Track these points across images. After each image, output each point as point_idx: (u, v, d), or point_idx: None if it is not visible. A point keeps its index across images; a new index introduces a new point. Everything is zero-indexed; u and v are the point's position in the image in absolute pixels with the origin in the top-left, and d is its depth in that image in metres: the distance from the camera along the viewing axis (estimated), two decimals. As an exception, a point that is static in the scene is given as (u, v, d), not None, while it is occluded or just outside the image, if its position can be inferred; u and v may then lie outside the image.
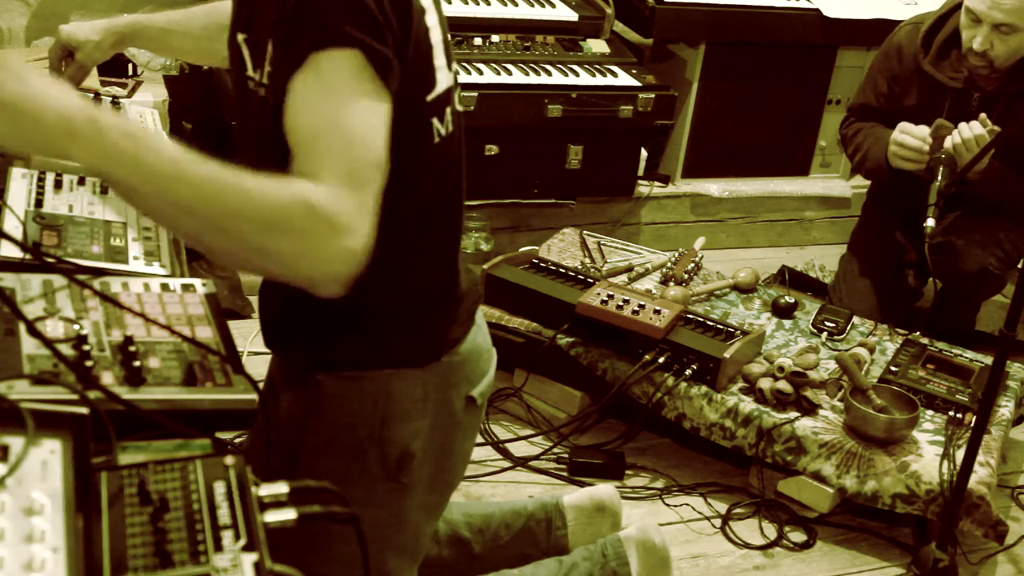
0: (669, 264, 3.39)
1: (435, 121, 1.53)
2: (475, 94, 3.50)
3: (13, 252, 1.56)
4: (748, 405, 2.83)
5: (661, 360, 2.87)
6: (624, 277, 3.33)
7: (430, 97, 1.51)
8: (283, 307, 1.66)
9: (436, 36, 1.51)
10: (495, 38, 3.77)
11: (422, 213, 1.58)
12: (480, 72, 3.61)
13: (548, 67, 3.75)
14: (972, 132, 3.08)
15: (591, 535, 2.41)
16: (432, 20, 1.50)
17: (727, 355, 2.83)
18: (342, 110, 1.34)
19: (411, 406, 1.65)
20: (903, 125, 3.22)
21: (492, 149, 3.67)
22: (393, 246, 1.55)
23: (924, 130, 3.18)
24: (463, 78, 3.51)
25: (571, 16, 3.93)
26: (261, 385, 1.35)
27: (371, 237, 1.30)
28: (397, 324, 1.63)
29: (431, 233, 1.62)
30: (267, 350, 1.73)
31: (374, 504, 1.69)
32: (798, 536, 2.79)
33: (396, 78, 1.40)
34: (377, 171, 1.33)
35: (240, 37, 1.51)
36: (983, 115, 3.13)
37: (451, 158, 1.60)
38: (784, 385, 2.81)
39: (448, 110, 1.56)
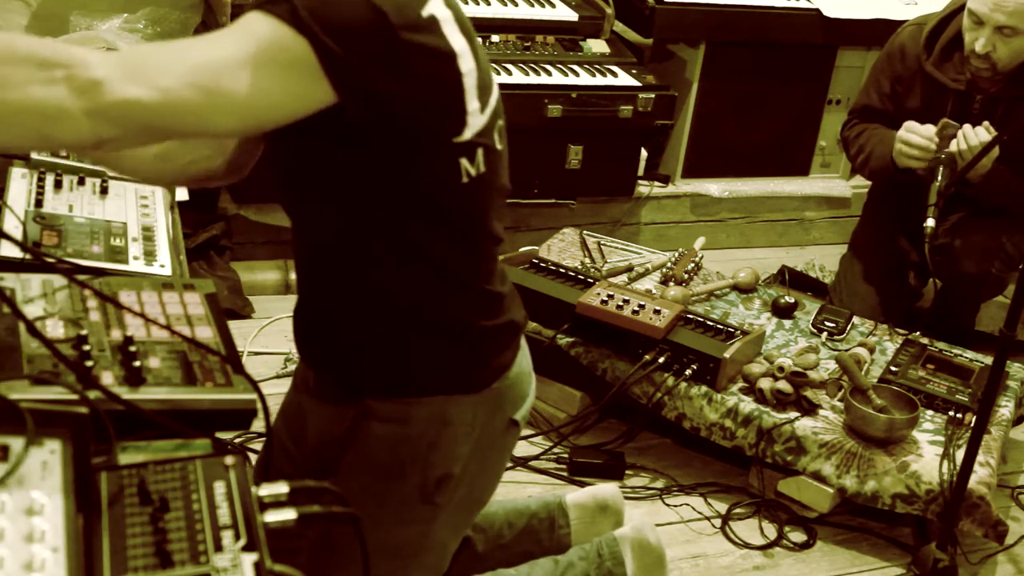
0: (669, 264, 3.39)
1: (464, 161, 1.52)
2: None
3: (13, 252, 1.56)
4: (748, 405, 2.83)
5: (661, 360, 2.87)
6: (624, 277, 3.33)
7: (458, 139, 1.50)
8: (334, 332, 1.64)
9: (470, 81, 1.50)
10: (495, 38, 3.76)
11: (456, 247, 1.58)
12: (480, 72, 3.60)
13: (548, 67, 3.75)
14: (978, 138, 3.08)
15: (594, 534, 2.40)
16: (467, 65, 1.49)
17: (727, 355, 2.83)
18: (222, 44, 1.34)
19: (460, 431, 1.65)
20: (909, 124, 3.22)
21: (492, 149, 3.67)
22: (428, 271, 1.56)
23: (930, 129, 3.17)
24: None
25: (571, 16, 3.93)
26: (261, 385, 1.35)
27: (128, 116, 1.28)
28: (449, 351, 1.62)
29: (470, 262, 1.61)
30: (266, 350, 1.73)
31: (405, 523, 1.68)
32: (798, 536, 2.79)
33: (369, 98, 1.39)
34: (189, 96, 1.30)
35: None
36: (986, 122, 3.13)
37: (483, 195, 1.58)
38: (784, 385, 2.81)
39: (480, 151, 1.54)
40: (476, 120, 1.52)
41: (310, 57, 1.35)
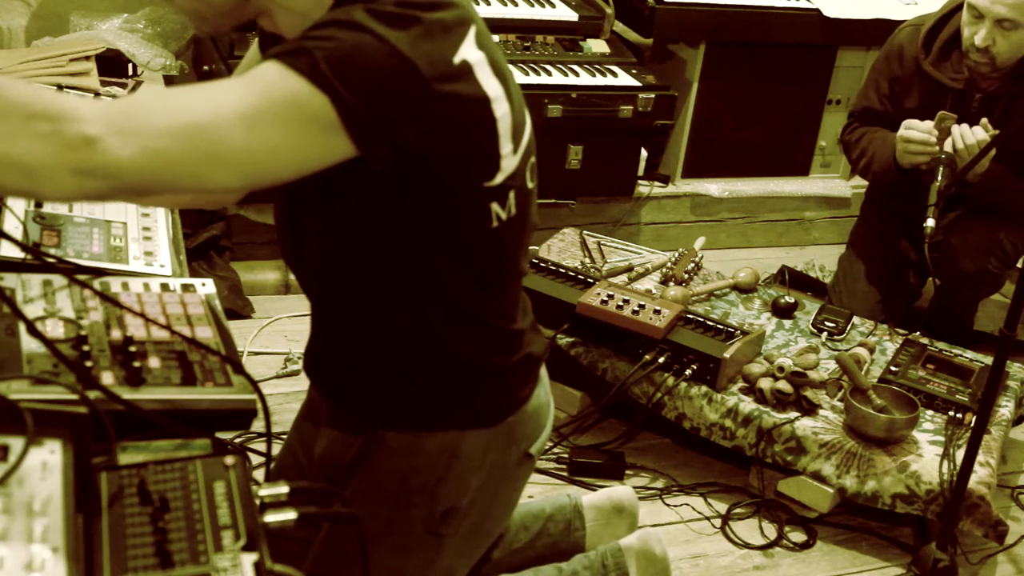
0: (669, 264, 3.39)
1: (494, 206, 1.47)
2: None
3: (13, 252, 1.56)
4: (748, 405, 2.83)
5: (661, 360, 2.87)
6: (624, 277, 3.33)
7: (489, 184, 1.45)
8: (348, 366, 1.61)
9: (504, 125, 1.44)
10: (495, 38, 3.76)
11: (479, 288, 1.53)
12: (480, 72, 3.61)
13: (548, 67, 3.75)
14: (974, 137, 3.08)
15: (609, 536, 2.40)
16: (501, 109, 1.43)
17: (727, 355, 2.83)
18: (228, 97, 1.26)
19: (470, 465, 1.62)
20: (908, 122, 3.22)
21: (492, 149, 3.67)
22: (449, 312, 1.52)
23: (929, 124, 3.18)
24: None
25: (571, 16, 3.93)
26: (261, 385, 1.35)
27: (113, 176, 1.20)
28: (466, 386, 1.58)
29: (492, 302, 1.57)
30: (266, 350, 1.72)
31: (409, 551, 1.66)
32: (798, 536, 2.79)
33: (392, 153, 1.34)
34: (182, 152, 1.23)
35: None
36: (984, 120, 3.13)
37: (513, 237, 1.54)
38: (784, 385, 2.81)
39: (512, 194, 1.49)
40: (509, 163, 1.47)
41: (329, 114, 1.28)
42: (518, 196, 1.51)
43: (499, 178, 1.46)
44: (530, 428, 1.68)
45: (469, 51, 1.41)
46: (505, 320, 1.60)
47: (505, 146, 1.45)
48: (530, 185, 1.55)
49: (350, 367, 1.61)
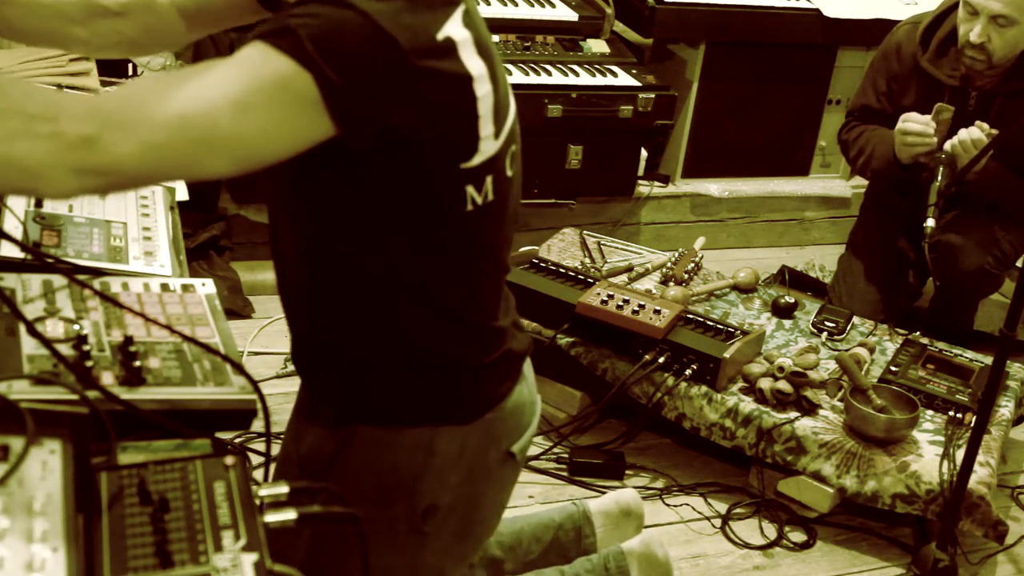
0: (669, 264, 3.39)
1: (470, 189, 1.45)
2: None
3: (13, 252, 1.56)
4: (748, 405, 2.83)
5: (661, 360, 2.87)
6: (624, 277, 3.33)
7: (466, 165, 1.44)
8: (323, 359, 1.61)
9: (486, 105, 1.43)
10: (495, 38, 3.75)
11: (457, 279, 1.52)
12: (480, 72, 3.61)
13: (548, 67, 3.75)
14: (970, 136, 3.09)
15: (618, 539, 2.40)
16: (483, 89, 1.42)
17: (727, 355, 2.83)
18: (216, 82, 1.27)
19: (447, 462, 1.60)
20: (906, 115, 3.22)
21: (492, 149, 3.67)
22: (425, 306, 1.51)
23: (927, 116, 3.19)
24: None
25: (571, 16, 3.93)
26: (261, 385, 1.35)
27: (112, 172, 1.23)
28: (441, 382, 1.57)
29: (471, 297, 1.55)
30: (266, 350, 1.72)
31: (393, 551, 1.65)
32: (798, 536, 2.79)
33: (371, 131, 1.34)
34: (177, 145, 1.25)
35: None
36: (979, 121, 3.13)
37: (490, 224, 1.52)
38: (784, 385, 2.81)
39: (489, 178, 1.47)
40: (489, 146, 1.45)
41: (313, 93, 1.29)
42: (496, 182, 1.49)
43: (476, 160, 1.45)
44: (511, 426, 1.66)
45: (454, 29, 1.41)
46: (484, 317, 1.58)
47: (485, 128, 1.44)
48: (509, 173, 1.53)
49: (324, 359, 1.60)
